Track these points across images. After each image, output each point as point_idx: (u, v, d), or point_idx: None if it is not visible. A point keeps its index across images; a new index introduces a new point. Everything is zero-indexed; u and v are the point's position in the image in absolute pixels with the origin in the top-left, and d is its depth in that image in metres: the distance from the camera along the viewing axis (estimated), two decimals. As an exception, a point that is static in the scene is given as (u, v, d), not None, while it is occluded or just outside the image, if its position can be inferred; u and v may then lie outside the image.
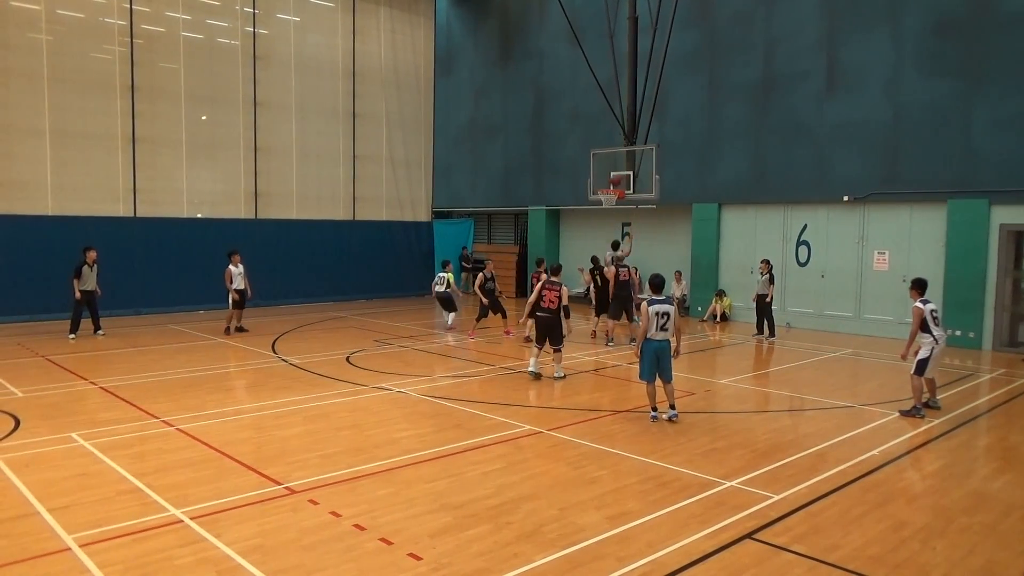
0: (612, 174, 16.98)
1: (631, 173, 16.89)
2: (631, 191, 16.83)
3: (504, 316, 16.50)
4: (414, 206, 25.06)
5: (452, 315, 17.30)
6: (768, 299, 16.31)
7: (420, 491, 6.64)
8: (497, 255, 26.08)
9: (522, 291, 24.78)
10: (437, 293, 17.42)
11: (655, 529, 5.85)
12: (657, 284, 9.34)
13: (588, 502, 6.42)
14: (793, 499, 6.55)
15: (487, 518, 6.03)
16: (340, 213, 23.13)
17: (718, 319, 18.93)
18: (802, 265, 18.09)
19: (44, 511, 6.05)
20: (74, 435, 8.23)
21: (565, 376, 11.56)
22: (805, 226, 18.09)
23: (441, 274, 17.56)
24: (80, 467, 7.20)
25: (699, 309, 19.76)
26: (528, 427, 8.78)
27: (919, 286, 9.81)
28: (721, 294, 19.25)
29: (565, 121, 23.04)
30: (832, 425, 9.24)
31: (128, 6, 18.52)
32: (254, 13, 20.79)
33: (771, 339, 16.12)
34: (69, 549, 5.36)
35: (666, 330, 9.05)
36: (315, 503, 6.30)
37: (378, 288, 23.44)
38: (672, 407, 9.25)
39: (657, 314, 8.97)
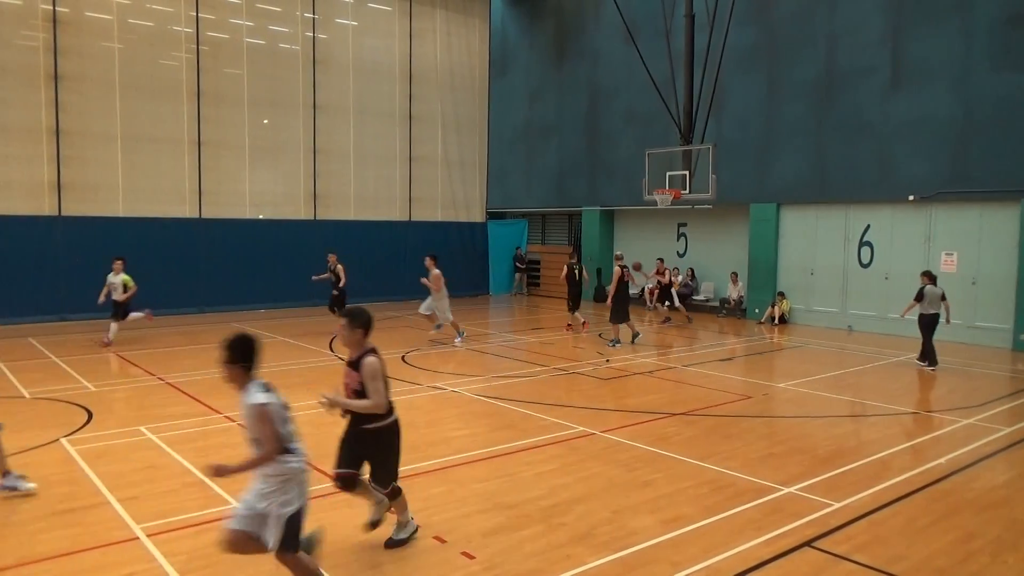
0: (667, 174, 16.79)
1: (687, 173, 16.69)
2: (687, 191, 16.63)
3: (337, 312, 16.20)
4: (469, 207, 25.23)
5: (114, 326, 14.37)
6: (944, 319, 12.99)
7: (473, 490, 6.68)
8: (551, 256, 26.09)
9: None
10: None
11: (710, 534, 5.77)
12: None
13: (641, 505, 6.37)
14: (855, 507, 6.37)
15: (540, 519, 6.03)
16: (396, 214, 23.45)
17: (776, 321, 18.54)
18: (865, 267, 17.58)
19: (114, 501, 6.30)
20: (142, 428, 8.55)
21: (409, 539, 5.63)
22: (868, 226, 17.57)
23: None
24: (148, 459, 7.48)
25: (756, 311, 19.37)
26: (581, 428, 8.75)
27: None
28: (781, 296, 18.84)
29: (620, 121, 22.88)
30: (896, 432, 8.95)
31: (195, 14, 19.15)
32: (314, 18, 21.24)
33: (931, 368, 12.92)
34: (137, 538, 5.57)
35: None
36: (371, 500, 6.39)
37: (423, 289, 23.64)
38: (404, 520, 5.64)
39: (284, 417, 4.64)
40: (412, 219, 23.76)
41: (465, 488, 6.74)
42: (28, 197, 17.21)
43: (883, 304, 17.24)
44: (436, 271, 14.88)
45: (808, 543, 5.62)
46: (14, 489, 6.41)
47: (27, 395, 10.25)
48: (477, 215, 25.52)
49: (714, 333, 17.53)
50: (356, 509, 6.20)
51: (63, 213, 17.61)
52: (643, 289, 22.41)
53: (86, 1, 17.69)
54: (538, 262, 26.53)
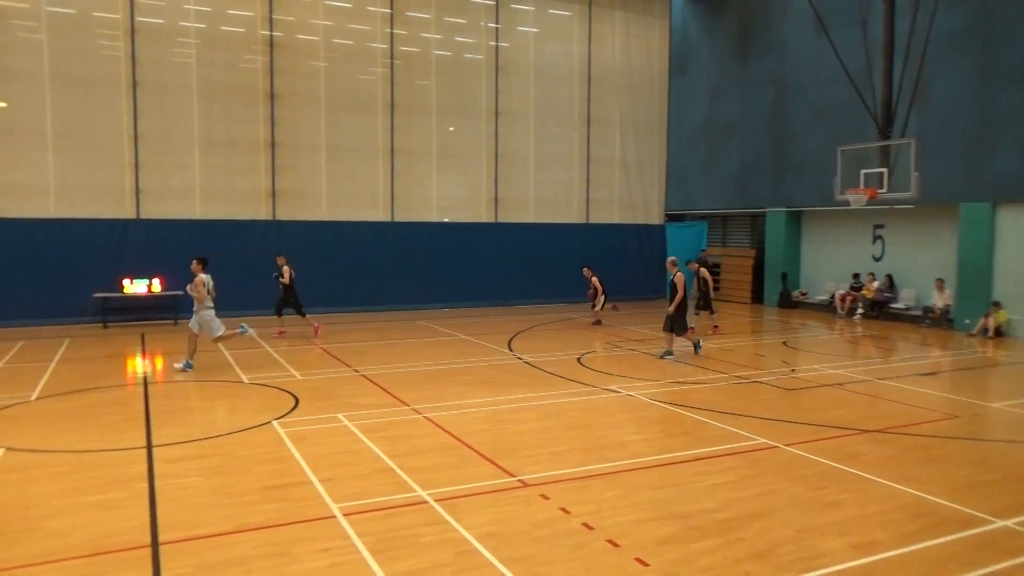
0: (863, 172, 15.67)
1: (885, 170, 15.49)
2: (885, 190, 15.42)
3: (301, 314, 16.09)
4: (646, 209, 24.96)
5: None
6: None
7: (647, 496, 6.63)
8: (732, 259, 25.20)
9: (758, 297, 23.69)
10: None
11: (907, 565, 5.33)
12: None
13: (828, 526, 6.00)
14: (1085, 549, 5.61)
15: (716, 532, 5.87)
16: (574, 216, 23.70)
17: (990, 334, 16.63)
18: (1105, 274, 15.34)
19: (315, 480, 6.92)
20: (340, 415, 9.30)
21: None
22: (1110, 228, 15.31)
23: None
24: (344, 444, 8.13)
25: (967, 322, 17.49)
26: (762, 440, 8.40)
27: None
28: (996, 306, 16.89)
29: (809, 116, 21.61)
30: None
31: (389, 31, 20.52)
32: (497, 28, 22.00)
33: None
34: (334, 517, 6.08)
35: None
36: (546, 498, 6.55)
37: (610, 290, 23.61)
38: None
39: None
40: (590, 221, 23.90)
41: (639, 494, 6.70)
42: (249, 203, 19.29)
43: None
44: (202, 276, 12.02)
45: (1026, 584, 5.04)
46: None
47: (246, 380, 11.51)
48: (655, 217, 25.17)
49: (915, 345, 16.08)
50: (533, 505, 6.38)
51: (276, 218, 19.55)
52: (833, 295, 21.05)
53: (297, 25, 19.53)
54: (718, 265, 25.68)
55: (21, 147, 17.06)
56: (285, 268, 15.97)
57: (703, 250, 25.59)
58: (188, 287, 12.24)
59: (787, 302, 22.61)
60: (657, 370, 12.73)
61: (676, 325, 13.52)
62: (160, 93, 18.17)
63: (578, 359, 13.53)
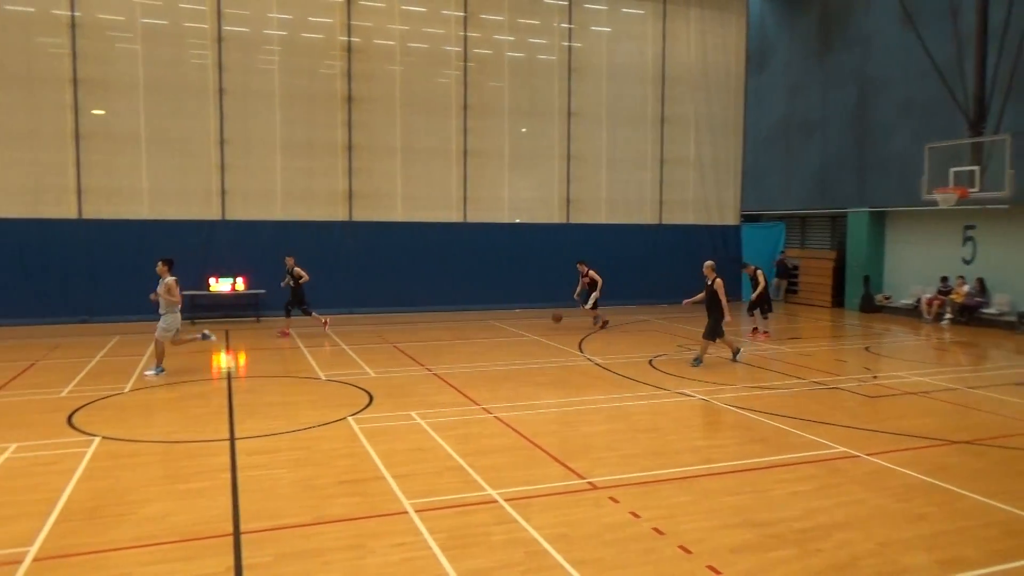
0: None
1: (977, 168, 14.75)
2: (976, 189, 14.69)
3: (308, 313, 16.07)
4: (721, 209, 24.45)
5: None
6: None
7: (720, 503, 6.51)
8: (811, 261, 24.44)
9: (839, 300, 22.91)
10: None
11: (998, 583, 5.07)
12: None
13: (914, 540, 5.77)
14: None
15: (794, 541, 5.72)
16: (647, 217, 23.43)
17: (1095, 342, 15.64)
18: None
19: (389, 477, 7.06)
20: (412, 414, 9.46)
21: None
22: None
23: None
24: (416, 442, 8.27)
25: (1068, 329, 16.51)
26: (842, 449, 8.12)
27: None
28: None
29: (894, 113, 20.77)
30: None
31: (463, 34, 20.75)
32: (570, 28, 21.95)
33: None
34: (406, 512, 6.20)
35: None
36: (615, 501, 6.51)
37: (683, 293, 23.24)
38: None
39: None
40: (663, 223, 23.59)
41: (712, 500, 6.59)
42: (327, 205, 19.83)
43: None
44: (172, 277, 11.78)
45: None
46: None
47: (323, 377, 11.85)
48: (730, 218, 24.64)
49: (1009, 352, 15.25)
50: (603, 508, 6.35)
51: (352, 218, 20.03)
52: (919, 299, 20.17)
53: (374, 30, 19.96)
54: (797, 267, 24.95)
55: (118, 152, 18.02)
56: (297, 269, 16.08)
57: (782, 252, 24.92)
58: (159, 291, 11.68)
59: (869, 306, 21.78)
60: (730, 374, 12.47)
61: (709, 330, 12.98)
62: (245, 99, 18.88)
63: (649, 361, 13.38)
